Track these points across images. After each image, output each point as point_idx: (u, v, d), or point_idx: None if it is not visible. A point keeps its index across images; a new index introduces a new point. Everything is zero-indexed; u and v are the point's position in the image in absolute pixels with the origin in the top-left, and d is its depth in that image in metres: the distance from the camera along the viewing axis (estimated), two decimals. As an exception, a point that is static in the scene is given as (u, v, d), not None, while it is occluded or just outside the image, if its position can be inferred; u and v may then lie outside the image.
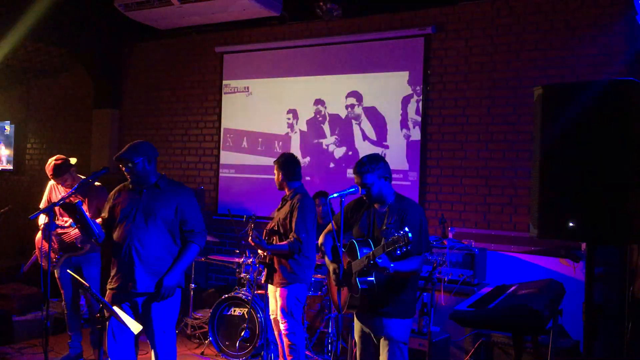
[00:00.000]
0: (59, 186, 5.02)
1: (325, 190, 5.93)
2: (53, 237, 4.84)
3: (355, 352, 4.51)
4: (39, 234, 4.92)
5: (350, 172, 6.40)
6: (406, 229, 3.08)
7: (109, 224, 3.86)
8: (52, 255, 4.91)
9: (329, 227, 3.78)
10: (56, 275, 4.98)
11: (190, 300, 5.93)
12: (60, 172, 4.85)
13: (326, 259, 3.74)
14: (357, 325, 3.66)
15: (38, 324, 5.86)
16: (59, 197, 4.85)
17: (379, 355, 3.50)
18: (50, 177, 4.91)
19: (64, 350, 5.24)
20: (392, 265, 3.23)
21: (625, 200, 2.29)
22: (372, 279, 3.34)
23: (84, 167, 7.32)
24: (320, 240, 3.83)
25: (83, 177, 4.96)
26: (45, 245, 4.99)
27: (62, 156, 4.94)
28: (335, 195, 3.76)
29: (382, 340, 3.47)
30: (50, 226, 3.87)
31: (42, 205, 5.02)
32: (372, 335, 3.54)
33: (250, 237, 4.32)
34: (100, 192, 4.89)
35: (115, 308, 3.23)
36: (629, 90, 2.34)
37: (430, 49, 6.02)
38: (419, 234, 3.39)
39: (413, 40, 6.09)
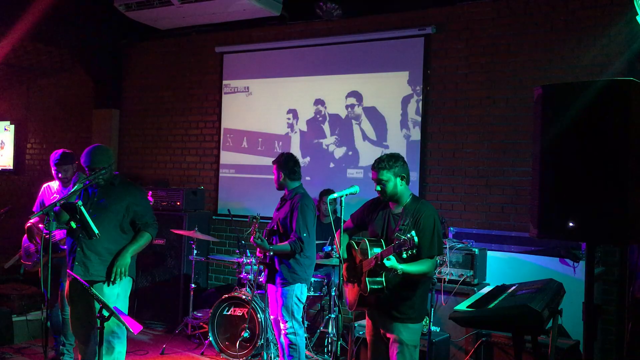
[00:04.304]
0: (53, 186, 5.04)
1: (331, 189, 5.92)
2: (37, 238, 4.86)
3: (355, 352, 4.51)
4: (26, 235, 4.97)
5: (350, 172, 6.40)
6: (413, 233, 3.07)
7: None
8: (35, 255, 4.93)
9: (346, 224, 3.79)
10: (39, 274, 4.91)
11: (190, 300, 5.93)
12: (67, 160, 4.93)
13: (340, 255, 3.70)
14: (368, 324, 3.66)
15: (38, 324, 5.86)
16: (53, 198, 4.87)
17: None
18: (54, 164, 4.90)
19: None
20: (400, 267, 3.22)
21: (625, 200, 2.29)
22: (382, 279, 3.34)
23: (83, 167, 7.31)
24: (337, 237, 3.79)
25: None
26: (33, 246, 5.00)
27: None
28: (335, 195, 3.76)
29: (391, 342, 3.45)
30: (50, 226, 3.86)
31: (34, 209, 5.03)
32: (382, 334, 3.54)
33: (252, 237, 4.31)
34: None
35: (115, 308, 3.23)
36: (629, 90, 2.33)
37: (430, 49, 6.02)
38: (432, 237, 3.37)
39: (413, 40, 6.08)
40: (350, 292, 3.63)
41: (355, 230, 3.81)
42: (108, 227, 3.97)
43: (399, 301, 3.41)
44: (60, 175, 4.93)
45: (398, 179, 3.46)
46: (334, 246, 5.63)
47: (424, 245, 3.30)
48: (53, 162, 4.91)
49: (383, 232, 3.53)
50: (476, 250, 4.93)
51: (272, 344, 5.03)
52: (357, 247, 3.60)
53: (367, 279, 3.36)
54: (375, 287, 3.34)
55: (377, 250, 3.36)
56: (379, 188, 3.49)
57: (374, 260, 3.27)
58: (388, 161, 3.46)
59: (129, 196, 4.08)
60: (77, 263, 3.94)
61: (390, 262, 3.18)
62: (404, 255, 3.12)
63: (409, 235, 3.07)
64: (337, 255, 3.74)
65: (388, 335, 3.48)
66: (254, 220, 4.39)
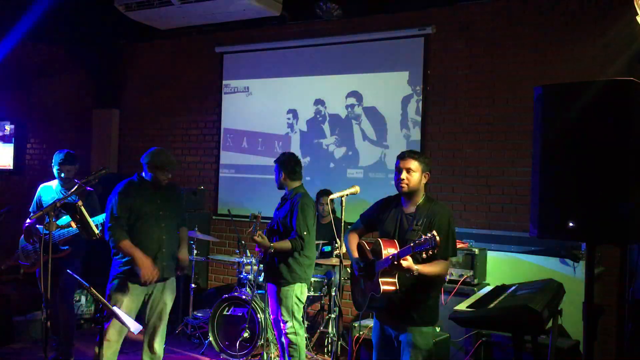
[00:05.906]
0: (50, 186, 5.03)
1: (329, 189, 5.92)
2: (35, 238, 4.86)
3: (355, 352, 4.49)
4: (23, 236, 4.95)
5: (350, 172, 6.40)
6: (434, 232, 2.97)
7: None
8: (34, 255, 4.93)
9: (355, 224, 3.69)
10: (37, 274, 4.87)
11: (190, 300, 5.93)
12: (71, 160, 4.98)
13: (350, 255, 3.60)
14: (376, 325, 3.54)
15: (38, 324, 5.86)
16: (51, 198, 4.86)
17: (399, 358, 3.38)
18: (57, 163, 4.92)
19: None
20: (416, 267, 3.12)
21: (625, 200, 2.29)
22: (395, 280, 3.23)
23: (83, 167, 7.31)
24: (345, 236, 3.71)
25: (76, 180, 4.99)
26: (30, 247, 5.00)
27: None
28: (335, 195, 3.75)
29: (405, 346, 3.34)
30: (50, 226, 3.86)
31: (31, 209, 5.03)
32: (393, 337, 3.43)
33: (252, 234, 4.31)
34: (87, 193, 4.88)
35: (115, 308, 3.23)
36: (629, 90, 2.33)
37: (430, 49, 6.02)
38: (447, 238, 3.28)
39: (413, 40, 6.09)
40: (360, 293, 3.53)
41: (364, 231, 3.68)
42: (174, 228, 4.37)
43: (413, 304, 3.31)
44: (62, 175, 4.94)
45: (423, 175, 3.41)
46: (334, 246, 5.63)
47: (439, 247, 3.18)
48: (57, 161, 4.93)
49: (395, 232, 3.41)
50: (476, 250, 4.93)
51: (272, 344, 5.03)
52: (369, 247, 3.50)
53: (380, 279, 3.25)
54: (388, 288, 3.23)
55: (392, 250, 3.24)
56: (403, 176, 3.36)
57: (390, 260, 3.16)
58: (419, 154, 3.43)
59: (180, 198, 4.54)
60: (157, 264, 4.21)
61: (407, 262, 3.09)
62: (424, 256, 3.03)
63: (429, 235, 2.96)
64: (337, 255, 3.72)
65: (400, 339, 3.37)
66: (255, 218, 4.38)
